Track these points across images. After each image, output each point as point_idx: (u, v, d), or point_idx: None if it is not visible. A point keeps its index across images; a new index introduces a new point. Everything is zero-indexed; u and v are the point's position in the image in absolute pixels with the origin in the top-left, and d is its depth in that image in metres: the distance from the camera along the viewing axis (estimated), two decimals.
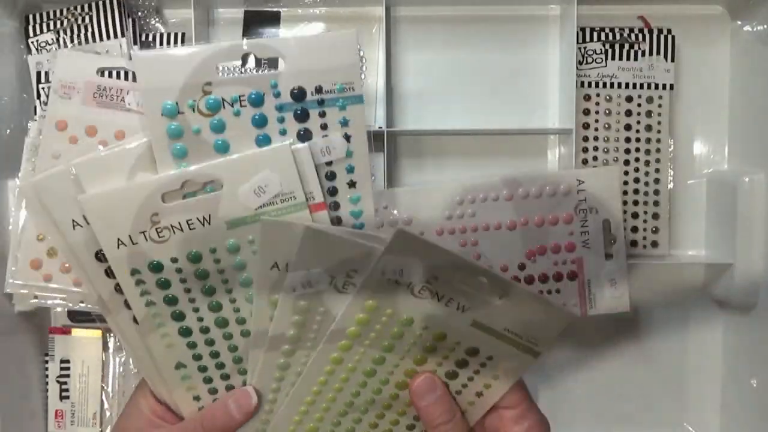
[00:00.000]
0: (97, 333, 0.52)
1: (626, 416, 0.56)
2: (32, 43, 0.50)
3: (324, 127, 0.36)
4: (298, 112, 0.36)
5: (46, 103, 0.48)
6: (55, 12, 0.51)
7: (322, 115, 0.36)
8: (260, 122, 0.36)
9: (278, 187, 0.35)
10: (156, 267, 0.36)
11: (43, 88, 0.50)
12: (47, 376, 0.53)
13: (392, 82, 0.53)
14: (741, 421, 0.53)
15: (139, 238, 0.35)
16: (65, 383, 0.52)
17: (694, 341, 0.56)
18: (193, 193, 0.35)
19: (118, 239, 0.35)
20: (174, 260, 0.35)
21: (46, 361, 0.53)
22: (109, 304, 0.38)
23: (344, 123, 0.36)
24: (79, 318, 0.52)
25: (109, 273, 0.37)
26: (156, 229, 0.35)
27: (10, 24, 0.50)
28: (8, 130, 0.50)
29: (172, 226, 0.35)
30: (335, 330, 0.35)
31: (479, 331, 0.35)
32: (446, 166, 0.54)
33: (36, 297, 0.48)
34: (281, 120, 0.36)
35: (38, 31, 0.50)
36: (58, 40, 0.50)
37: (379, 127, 0.51)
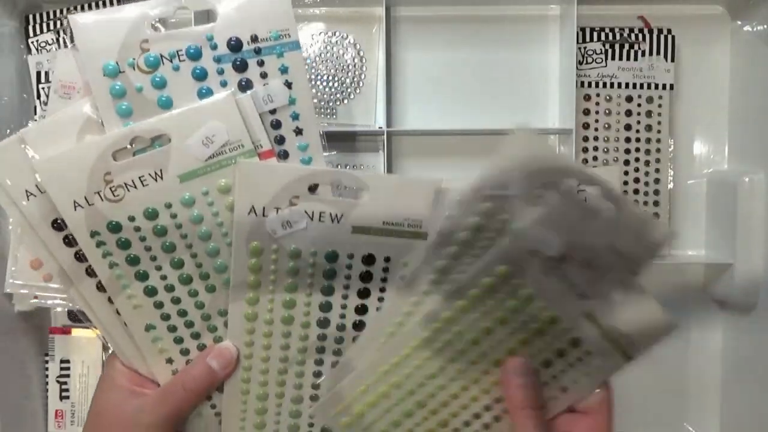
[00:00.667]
0: (97, 333, 0.52)
1: (626, 416, 0.56)
2: (32, 43, 0.50)
3: (264, 75, 0.37)
4: (237, 62, 0.36)
5: (46, 103, 0.48)
6: (55, 12, 0.51)
7: (261, 63, 0.37)
8: (200, 75, 0.36)
9: (225, 136, 0.36)
10: (114, 227, 0.36)
11: (43, 88, 0.50)
12: (47, 376, 0.53)
13: (392, 82, 0.53)
14: (741, 421, 0.53)
15: (95, 199, 0.35)
16: (65, 383, 0.52)
17: (694, 341, 0.56)
18: (143, 150, 0.36)
19: (75, 201, 0.35)
20: (131, 219, 0.36)
21: (46, 361, 0.53)
22: (71, 274, 0.38)
23: (284, 70, 0.37)
24: (79, 318, 0.52)
25: (68, 241, 0.37)
26: (110, 188, 0.35)
27: (10, 24, 0.50)
28: (8, 130, 0.50)
29: (125, 184, 0.35)
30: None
31: (589, 323, 0.35)
32: (446, 166, 0.54)
33: (36, 297, 0.48)
34: (221, 72, 0.36)
35: (38, 31, 0.50)
36: (58, 40, 0.50)
37: (379, 127, 0.51)
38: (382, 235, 0.36)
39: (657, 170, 0.53)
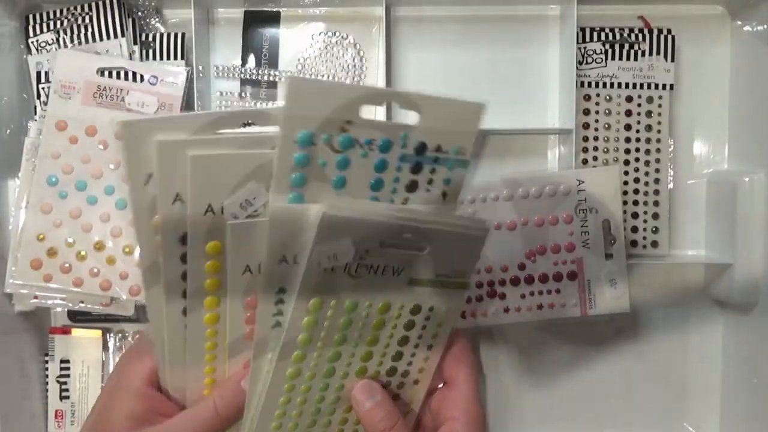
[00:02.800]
0: (97, 333, 0.52)
1: (626, 416, 0.56)
2: (32, 43, 0.50)
3: (430, 182, 0.37)
4: (413, 165, 0.37)
5: (46, 103, 0.48)
6: (55, 12, 0.51)
7: (432, 171, 0.37)
8: (381, 167, 0.36)
9: None
10: None
11: (43, 88, 0.50)
12: (47, 376, 0.53)
13: (392, 82, 0.53)
14: (741, 421, 0.53)
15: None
16: (65, 383, 0.52)
17: (694, 341, 0.56)
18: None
19: (284, 256, 0.34)
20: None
21: (46, 361, 0.53)
22: (167, 288, 0.36)
23: (447, 182, 0.37)
24: (79, 318, 0.52)
25: (185, 259, 0.35)
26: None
27: (10, 24, 0.50)
28: (8, 130, 0.50)
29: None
30: (286, 343, 0.35)
31: (416, 286, 0.36)
32: None
33: (36, 297, 0.48)
34: (399, 169, 0.36)
35: (38, 31, 0.50)
36: (58, 40, 0.50)
37: None
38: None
39: (657, 170, 0.53)
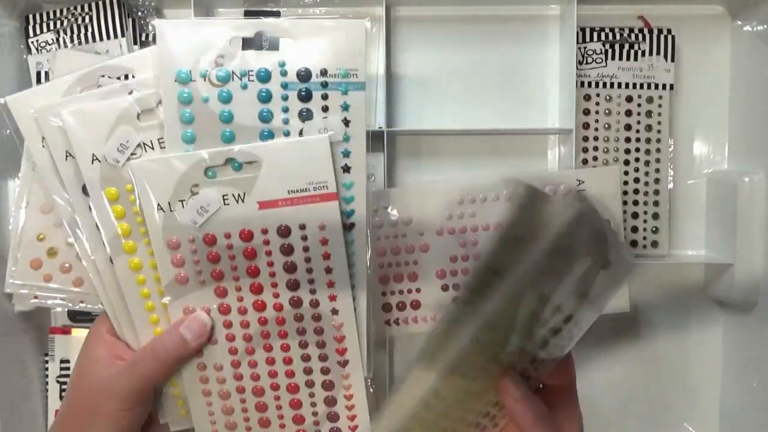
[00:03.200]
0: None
1: (626, 416, 0.56)
2: (32, 43, 0.50)
3: (325, 109, 0.38)
4: (302, 92, 0.38)
5: None
6: (55, 12, 0.51)
7: (325, 97, 0.38)
8: (265, 98, 0.38)
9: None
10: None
11: None
12: (47, 376, 0.53)
13: (392, 82, 0.53)
14: (741, 421, 0.53)
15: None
16: (65, 383, 0.52)
17: (694, 341, 0.56)
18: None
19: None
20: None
21: (46, 361, 0.53)
22: (90, 237, 0.40)
23: (345, 108, 0.38)
24: (79, 318, 0.52)
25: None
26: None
27: (10, 24, 0.50)
28: (8, 131, 0.50)
29: None
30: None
31: (579, 298, 0.34)
32: (446, 166, 0.54)
33: (36, 297, 0.48)
34: (285, 98, 0.38)
35: (38, 31, 0.50)
36: (58, 40, 0.50)
37: (379, 127, 0.51)
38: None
39: (657, 170, 0.53)
